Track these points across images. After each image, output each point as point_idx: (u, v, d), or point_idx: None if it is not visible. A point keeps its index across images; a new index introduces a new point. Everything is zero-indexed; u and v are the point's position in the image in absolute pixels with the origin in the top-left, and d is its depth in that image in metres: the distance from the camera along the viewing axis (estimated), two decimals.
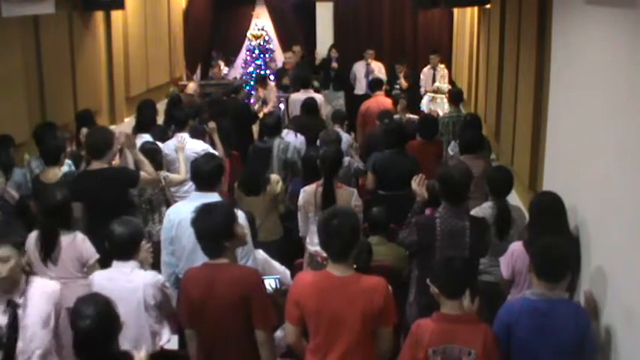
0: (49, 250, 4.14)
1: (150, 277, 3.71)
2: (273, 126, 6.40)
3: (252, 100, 10.94)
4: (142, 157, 5.07)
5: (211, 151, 5.95)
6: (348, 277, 3.12)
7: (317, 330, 3.14)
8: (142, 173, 4.91)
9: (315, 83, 10.35)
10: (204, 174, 4.11)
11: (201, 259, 3.94)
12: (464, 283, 3.20)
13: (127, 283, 3.59)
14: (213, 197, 4.04)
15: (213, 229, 3.23)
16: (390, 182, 5.87)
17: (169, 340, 3.84)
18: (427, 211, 4.59)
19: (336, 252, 3.13)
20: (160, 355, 3.79)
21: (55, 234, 4.16)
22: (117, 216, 3.93)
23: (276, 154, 6.20)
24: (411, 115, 8.40)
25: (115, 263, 3.74)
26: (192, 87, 9.83)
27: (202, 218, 3.26)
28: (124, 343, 3.40)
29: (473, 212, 4.26)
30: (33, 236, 4.22)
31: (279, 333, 3.47)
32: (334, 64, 11.48)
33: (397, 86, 10.85)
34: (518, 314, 3.22)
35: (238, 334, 3.24)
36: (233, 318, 3.19)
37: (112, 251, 3.81)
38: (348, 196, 4.90)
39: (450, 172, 3.95)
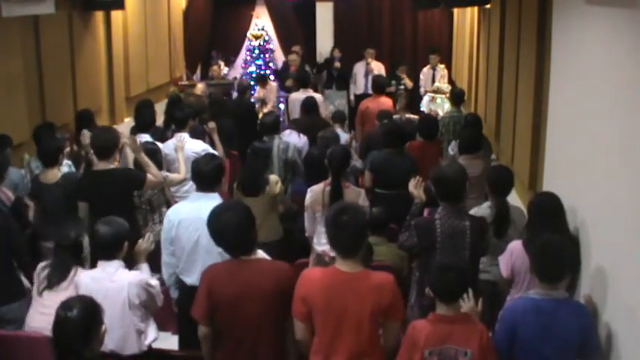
0: (53, 283, 3.92)
1: (134, 276, 3.69)
2: (271, 125, 6.39)
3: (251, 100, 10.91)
4: (147, 160, 5.04)
5: (211, 151, 5.94)
6: (356, 274, 3.10)
7: (324, 327, 3.12)
8: (149, 175, 4.89)
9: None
10: (204, 174, 4.11)
11: (200, 259, 3.97)
12: (459, 291, 3.18)
13: (111, 283, 3.57)
14: (214, 198, 4.05)
15: (246, 226, 3.29)
16: (390, 181, 5.87)
17: (156, 339, 3.81)
18: (425, 212, 4.58)
19: (345, 247, 3.12)
20: (159, 356, 3.78)
21: (67, 269, 3.94)
22: (121, 217, 3.90)
23: (277, 154, 6.19)
24: (411, 115, 8.40)
25: (99, 263, 3.73)
26: (200, 88, 9.86)
27: (233, 216, 3.29)
28: (110, 343, 3.40)
29: (472, 212, 4.26)
30: (41, 266, 4.03)
31: None
32: (337, 64, 11.46)
33: (402, 87, 10.84)
34: (522, 314, 3.21)
35: (270, 326, 3.26)
36: (269, 309, 3.22)
37: (96, 251, 3.80)
38: (356, 196, 4.88)
39: (444, 171, 3.93)
